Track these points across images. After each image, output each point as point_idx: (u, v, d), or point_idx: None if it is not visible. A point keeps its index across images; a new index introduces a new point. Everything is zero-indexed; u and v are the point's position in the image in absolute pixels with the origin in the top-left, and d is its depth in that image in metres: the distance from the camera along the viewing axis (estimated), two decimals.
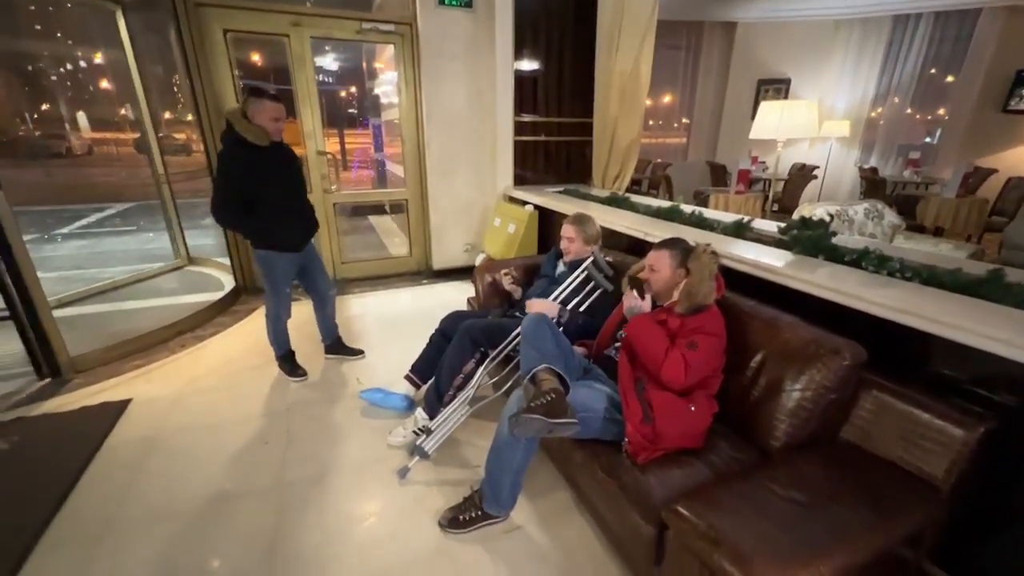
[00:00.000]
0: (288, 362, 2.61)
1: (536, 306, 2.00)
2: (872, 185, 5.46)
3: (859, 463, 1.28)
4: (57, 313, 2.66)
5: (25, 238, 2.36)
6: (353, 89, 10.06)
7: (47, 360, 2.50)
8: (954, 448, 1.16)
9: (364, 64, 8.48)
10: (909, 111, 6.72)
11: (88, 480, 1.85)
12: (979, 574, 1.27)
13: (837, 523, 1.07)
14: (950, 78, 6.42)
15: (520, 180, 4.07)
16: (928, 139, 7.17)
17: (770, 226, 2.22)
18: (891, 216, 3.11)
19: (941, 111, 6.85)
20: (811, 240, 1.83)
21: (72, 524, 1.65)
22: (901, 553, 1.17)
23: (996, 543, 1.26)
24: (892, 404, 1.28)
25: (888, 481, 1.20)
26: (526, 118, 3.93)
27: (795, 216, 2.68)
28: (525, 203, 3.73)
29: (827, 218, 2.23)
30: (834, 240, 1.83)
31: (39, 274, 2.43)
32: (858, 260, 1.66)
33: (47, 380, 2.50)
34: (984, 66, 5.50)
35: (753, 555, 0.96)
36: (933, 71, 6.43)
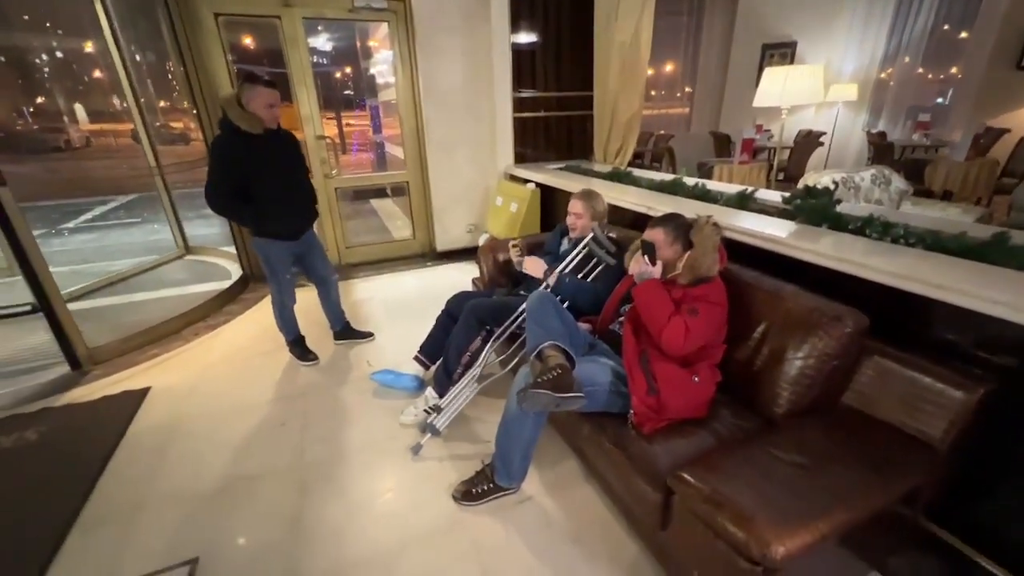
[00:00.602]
0: (299, 347, 2.66)
1: (528, 264, 2.13)
2: (880, 150, 5.36)
3: (860, 427, 1.30)
4: (71, 307, 2.72)
5: (34, 233, 2.39)
6: (348, 70, 9.87)
7: (66, 353, 2.57)
8: (953, 410, 1.18)
9: (358, 43, 8.29)
10: (920, 71, 6.50)
11: (115, 465, 1.93)
12: (975, 529, 1.31)
13: (837, 484, 1.10)
14: (964, 34, 6.19)
15: (521, 158, 4.03)
16: (940, 100, 6.96)
17: (774, 196, 2.20)
18: (898, 181, 3.06)
19: (954, 70, 6.62)
20: (815, 209, 1.82)
21: (104, 507, 1.73)
22: (899, 511, 1.21)
23: (992, 499, 1.29)
24: (893, 369, 1.30)
25: (888, 443, 1.23)
26: (525, 93, 3.86)
27: (800, 185, 2.65)
28: (526, 181, 3.71)
29: (832, 186, 2.21)
30: (839, 208, 1.82)
31: (52, 269, 2.48)
32: (862, 228, 1.66)
33: (67, 372, 2.57)
34: (998, 20, 5.29)
35: (755, 515, 1.00)
36: (946, 27, 6.19)
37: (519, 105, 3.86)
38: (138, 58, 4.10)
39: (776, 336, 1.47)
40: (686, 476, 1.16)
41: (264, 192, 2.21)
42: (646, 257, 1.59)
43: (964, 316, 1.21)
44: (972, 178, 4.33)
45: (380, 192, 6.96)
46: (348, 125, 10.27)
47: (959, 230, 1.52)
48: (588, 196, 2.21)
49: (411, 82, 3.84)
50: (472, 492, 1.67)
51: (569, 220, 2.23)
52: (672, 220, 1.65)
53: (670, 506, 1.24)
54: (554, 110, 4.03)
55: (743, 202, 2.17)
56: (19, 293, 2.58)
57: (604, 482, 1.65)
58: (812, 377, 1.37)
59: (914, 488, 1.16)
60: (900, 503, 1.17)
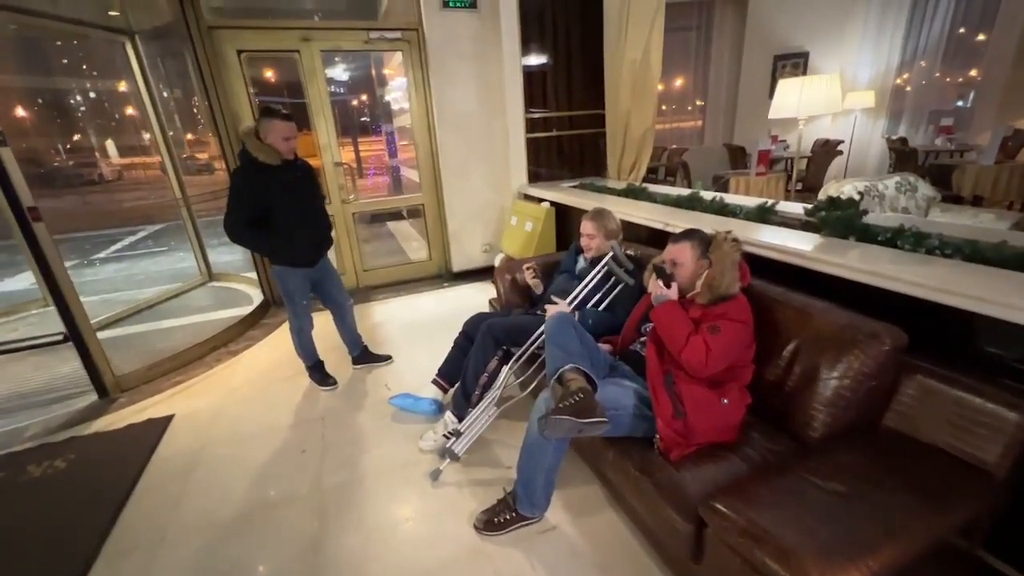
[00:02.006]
0: (318, 372, 2.67)
1: (551, 310, 2.01)
2: (902, 156, 5.23)
3: (904, 451, 1.23)
4: (100, 335, 2.79)
5: (67, 264, 2.48)
6: (364, 97, 10.18)
7: (94, 381, 2.62)
8: (1008, 432, 1.10)
9: (373, 71, 8.57)
10: (938, 75, 6.38)
11: (140, 492, 1.94)
12: None
13: (884, 514, 1.03)
14: (982, 36, 6.07)
15: (535, 177, 4.04)
16: (961, 103, 6.80)
17: (796, 208, 2.15)
18: (925, 188, 2.97)
19: (974, 72, 6.48)
20: (840, 220, 1.77)
21: (128, 537, 1.73)
22: (955, 543, 1.13)
23: None
24: (937, 388, 1.23)
25: (936, 469, 1.15)
26: (537, 114, 3.90)
27: (821, 195, 2.59)
28: (541, 200, 3.71)
29: (856, 196, 2.15)
30: (865, 219, 1.76)
31: (83, 299, 2.55)
32: (893, 239, 1.59)
33: (95, 400, 2.62)
34: (1019, 21, 5.18)
35: (798, 550, 0.94)
36: (963, 30, 6.08)
37: (531, 125, 3.89)
38: (166, 95, 4.28)
39: (808, 355, 1.41)
40: (719, 507, 1.10)
41: (283, 221, 2.25)
42: (660, 281, 1.56)
43: (1011, 330, 1.14)
44: (1004, 182, 4.18)
45: (396, 214, 7.06)
46: (364, 150, 10.52)
47: (997, 238, 1.45)
48: (598, 216, 2.18)
49: (425, 107, 3.92)
50: (494, 522, 1.62)
51: (582, 241, 2.20)
52: (696, 234, 1.62)
53: (703, 538, 1.18)
54: (566, 129, 4.05)
55: (763, 215, 2.12)
56: (53, 323, 2.66)
57: (631, 509, 1.58)
58: (848, 398, 1.30)
59: (971, 517, 1.08)
60: (956, 534, 1.09)
